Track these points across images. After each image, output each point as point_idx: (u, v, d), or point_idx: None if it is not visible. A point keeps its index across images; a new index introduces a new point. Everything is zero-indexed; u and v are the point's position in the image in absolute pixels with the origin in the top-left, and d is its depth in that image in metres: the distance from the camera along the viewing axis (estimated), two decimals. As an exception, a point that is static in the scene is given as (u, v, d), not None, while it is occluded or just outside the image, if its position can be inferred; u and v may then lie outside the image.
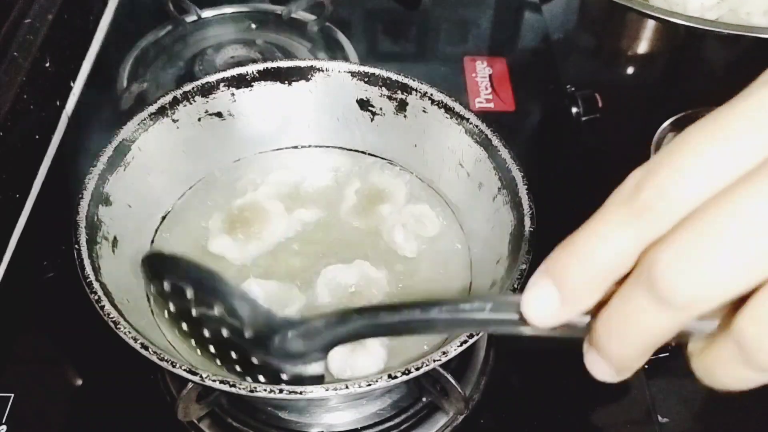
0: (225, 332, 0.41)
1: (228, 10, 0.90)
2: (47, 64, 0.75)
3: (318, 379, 0.40)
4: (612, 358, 0.26)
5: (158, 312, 0.48)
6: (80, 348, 0.60)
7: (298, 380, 0.40)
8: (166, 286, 0.42)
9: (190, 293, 0.41)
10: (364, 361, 0.51)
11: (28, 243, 0.67)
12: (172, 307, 0.43)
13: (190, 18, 0.88)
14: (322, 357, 0.38)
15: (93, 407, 0.57)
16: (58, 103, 0.78)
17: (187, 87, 0.59)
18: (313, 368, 0.39)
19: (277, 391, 0.41)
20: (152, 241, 0.58)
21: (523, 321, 0.28)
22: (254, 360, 0.40)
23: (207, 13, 0.89)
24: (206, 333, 0.42)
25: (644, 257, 0.24)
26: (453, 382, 0.49)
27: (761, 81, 0.23)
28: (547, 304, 0.26)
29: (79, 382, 0.59)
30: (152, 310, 0.54)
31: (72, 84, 0.82)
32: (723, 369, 0.24)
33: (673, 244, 0.23)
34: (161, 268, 0.43)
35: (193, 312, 0.42)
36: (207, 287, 0.41)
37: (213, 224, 0.60)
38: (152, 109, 0.58)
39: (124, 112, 0.76)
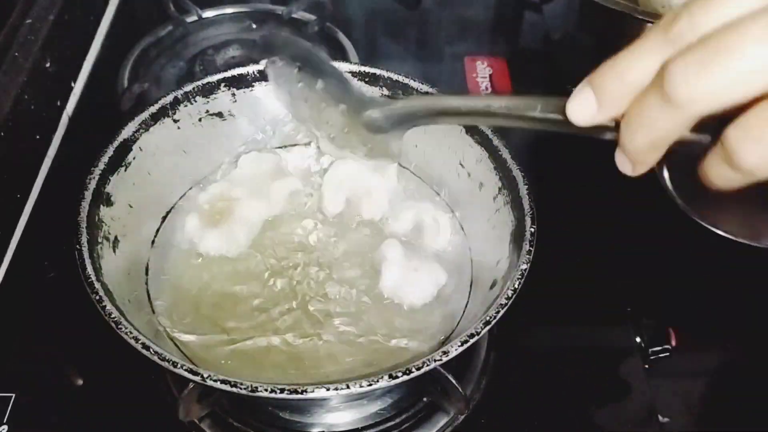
0: (323, 104, 0.51)
1: (228, 10, 0.90)
2: (48, 65, 0.75)
3: (397, 145, 0.49)
4: (629, 151, 0.33)
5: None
6: (81, 348, 0.60)
7: (379, 152, 0.50)
8: (279, 63, 0.55)
9: (296, 69, 0.53)
10: (419, 284, 0.55)
11: (29, 243, 0.67)
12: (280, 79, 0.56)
13: (191, 18, 0.88)
14: (400, 135, 0.48)
15: (94, 407, 0.57)
16: (58, 103, 0.79)
17: (188, 87, 0.59)
18: (394, 145, 0.49)
19: (278, 391, 0.41)
20: (153, 242, 0.58)
21: (564, 122, 0.35)
22: (345, 129, 0.50)
23: (207, 14, 0.89)
24: (307, 106, 0.54)
25: (661, 69, 0.30)
26: (454, 382, 0.49)
27: None
28: (586, 108, 0.33)
29: (80, 382, 0.59)
30: (153, 310, 0.54)
31: (73, 84, 0.82)
32: (714, 170, 0.31)
33: (683, 55, 0.29)
34: (276, 48, 0.56)
35: (299, 85, 0.53)
36: (312, 65, 0.52)
37: (191, 226, 0.59)
38: (153, 109, 0.58)
39: (125, 112, 0.76)
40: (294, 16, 0.89)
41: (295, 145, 0.64)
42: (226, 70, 0.61)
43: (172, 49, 0.86)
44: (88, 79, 0.84)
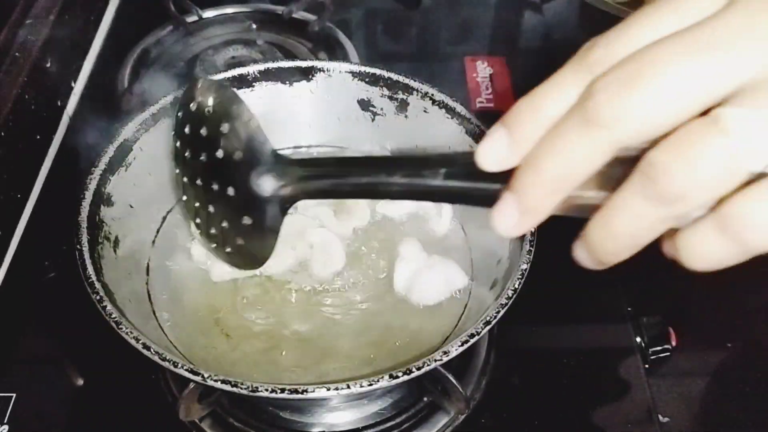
0: (220, 153, 0.45)
1: (229, 10, 0.90)
2: (48, 65, 0.75)
3: (273, 234, 0.45)
4: (527, 187, 0.29)
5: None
6: (82, 348, 0.60)
7: (257, 226, 0.44)
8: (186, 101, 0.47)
9: (211, 110, 0.45)
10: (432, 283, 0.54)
11: (30, 243, 0.67)
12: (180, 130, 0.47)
13: (191, 18, 0.88)
14: (285, 207, 0.43)
15: (94, 407, 0.57)
16: (59, 103, 0.79)
17: (188, 87, 0.59)
18: (273, 217, 0.44)
19: (279, 391, 0.41)
20: (153, 242, 0.58)
21: (474, 194, 0.32)
22: (229, 191, 0.45)
23: (208, 14, 0.89)
24: (200, 155, 0.46)
25: (584, 92, 0.27)
26: (454, 381, 0.49)
27: None
28: (497, 148, 0.30)
29: (81, 382, 0.59)
30: (154, 311, 0.54)
31: (73, 84, 0.82)
32: (625, 209, 0.27)
33: (606, 75, 0.26)
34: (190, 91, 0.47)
35: (203, 131, 0.46)
36: (223, 105, 0.45)
37: (199, 254, 0.57)
38: (153, 109, 0.58)
39: (125, 112, 0.76)
40: (294, 16, 0.89)
41: (297, 147, 0.64)
42: (226, 71, 0.61)
43: (173, 49, 0.86)
44: (88, 79, 0.84)
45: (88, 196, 0.52)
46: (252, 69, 0.61)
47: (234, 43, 0.84)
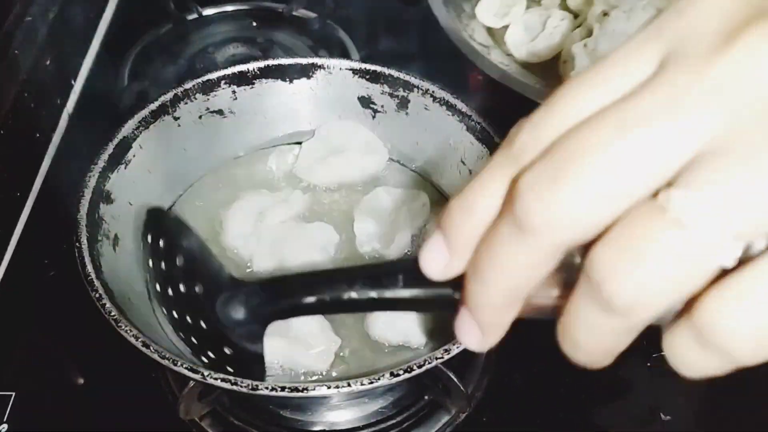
0: (182, 287, 0.43)
1: (229, 7, 0.90)
2: (48, 63, 0.75)
3: (258, 358, 0.42)
4: (479, 307, 0.25)
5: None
6: (81, 346, 0.60)
7: (239, 354, 0.42)
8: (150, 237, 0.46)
9: (162, 244, 0.45)
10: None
11: (29, 241, 0.67)
12: (150, 263, 0.46)
13: (191, 16, 0.88)
14: (261, 330, 0.41)
15: (94, 406, 0.57)
16: (58, 101, 0.78)
17: (188, 85, 0.59)
18: (254, 345, 0.41)
19: (279, 389, 0.41)
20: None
21: (438, 301, 0.29)
22: (203, 325, 0.42)
23: (208, 11, 0.89)
24: (170, 292, 0.44)
25: (509, 191, 0.24)
26: (455, 380, 0.49)
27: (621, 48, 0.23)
28: (437, 258, 0.26)
29: (81, 380, 0.59)
30: (154, 309, 0.54)
31: (73, 82, 0.82)
32: (576, 319, 0.24)
33: (530, 170, 0.22)
34: (156, 222, 0.47)
35: (162, 265, 0.45)
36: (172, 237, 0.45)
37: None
38: (153, 107, 0.58)
39: (125, 110, 0.75)
40: (295, 13, 0.88)
41: (297, 144, 0.64)
42: (226, 68, 0.61)
43: (173, 46, 0.86)
44: (88, 77, 0.83)
45: (88, 193, 0.52)
46: (252, 66, 0.61)
47: (234, 41, 0.84)
